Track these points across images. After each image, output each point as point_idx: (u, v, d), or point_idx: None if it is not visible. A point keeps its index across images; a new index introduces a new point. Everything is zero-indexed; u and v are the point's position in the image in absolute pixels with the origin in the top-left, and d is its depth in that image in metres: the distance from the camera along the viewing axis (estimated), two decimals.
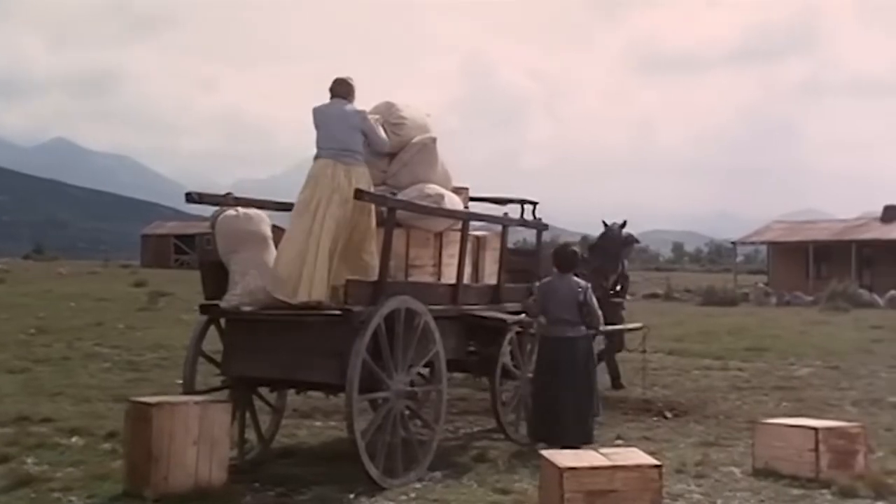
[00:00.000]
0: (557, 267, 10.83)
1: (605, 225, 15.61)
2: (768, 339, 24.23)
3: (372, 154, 9.85)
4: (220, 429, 8.60)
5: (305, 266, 9.10)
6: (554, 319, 10.48)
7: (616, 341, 15.31)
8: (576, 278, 10.61)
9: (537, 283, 10.98)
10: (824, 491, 8.96)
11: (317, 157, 9.52)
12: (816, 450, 9.30)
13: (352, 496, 8.54)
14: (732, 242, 72.60)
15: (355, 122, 9.60)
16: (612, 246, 15.30)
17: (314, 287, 9.06)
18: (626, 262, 15.87)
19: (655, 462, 7.69)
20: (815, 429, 9.47)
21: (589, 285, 10.66)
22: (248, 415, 10.15)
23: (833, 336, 25.39)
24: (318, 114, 9.63)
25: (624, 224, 15.50)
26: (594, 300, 10.56)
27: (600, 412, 11.12)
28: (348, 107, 9.64)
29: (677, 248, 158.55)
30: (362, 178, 9.50)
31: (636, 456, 7.88)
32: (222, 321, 9.86)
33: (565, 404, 10.30)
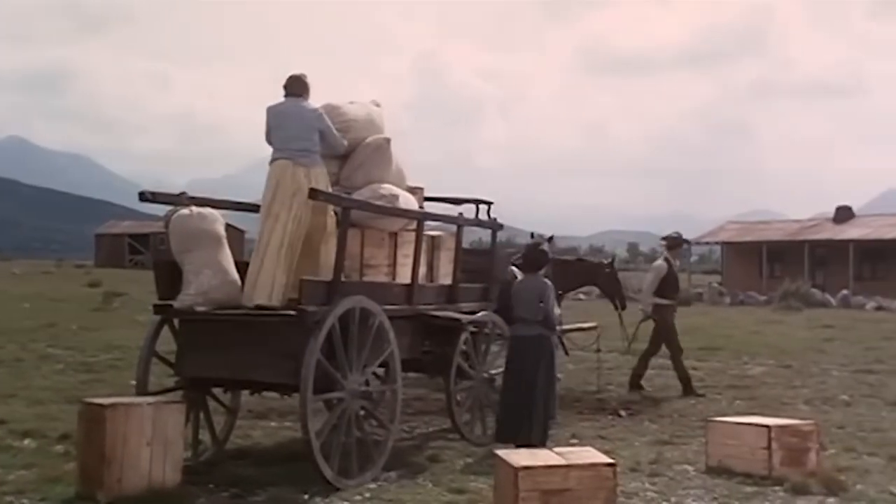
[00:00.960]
0: (526, 266, 11.01)
1: (532, 237, 15.69)
2: (722, 338, 24.41)
3: (324, 155, 9.81)
4: (173, 430, 8.55)
5: (263, 270, 9.12)
6: (520, 318, 10.61)
7: (675, 346, 15.40)
8: (542, 278, 10.73)
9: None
10: (777, 488, 9.03)
11: (275, 159, 9.48)
12: (769, 447, 9.38)
13: (306, 497, 8.51)
14: (687, 242, 73.04)
15: (313, 121, 9.59)
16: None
17: (274, 291, 9.06)
18: (676, 262, 15.99)
19: (610, 461, 7.72)
20: (768, 427, 9.54)
21: (550, 286, 10.74)
22: (202, 416, 10.09)
23: (786, 335, 25.61)
24: (275, 113, 9.59)
25: (551, 238, 15.55)
26: (551, 300, 10.63)
27: (556, 414, 11.17)
28: (305, 105, 9.61)
29: (632, 248, 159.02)
30: (321, 178, 9.50)
31: (591, 455, 7.90)
32: (176, 321, 9.80)
33: (531, 403, 10.41)
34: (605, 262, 16.95)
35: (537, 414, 10.36)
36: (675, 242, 16.44)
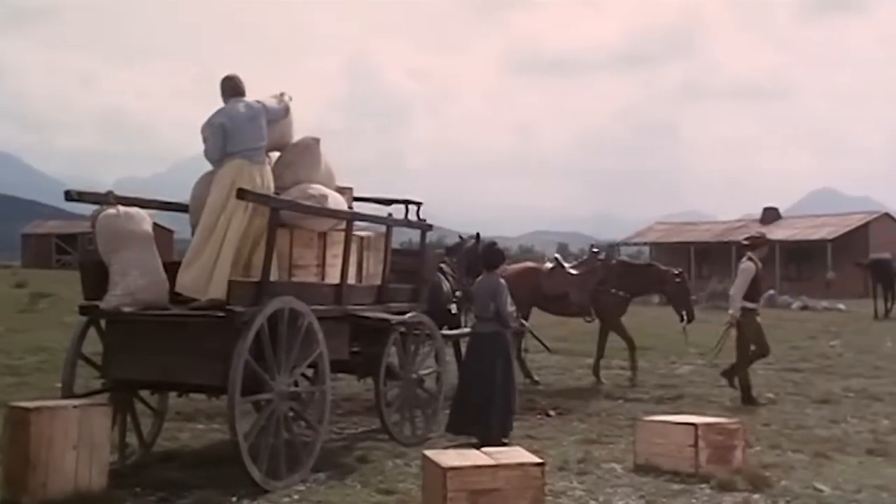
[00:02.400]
0: (484, 266, 11.42)
1: (461, 238, 15.74)
2: (650, 338, 24.51)
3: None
4: (100, 433, 8.46)
5: (219, 266, 9.12)
6: (476, 316, 11.09)
7: (762, 349, 15.10)
8: (496, 277, 10.96)
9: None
10: (703, 485, 9.13)
11: (230, 157, 9.44)
12: (696, 445, 9.49)
13: (234, 499, 8.46)
14: (616, 243, 73.59)
15: (261, 117, 9.63)
16: (464, 256, 15.25)
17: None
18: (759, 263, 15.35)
19: (538, 460, 7.76)
20: (695, 425, 9.66)
21: (503, 285, 10.96)
22: (129, 418, 10.00)
23: (713, 335, 25.77)
24: (225, 116, 9.54)
25: (477, 236, 15.58)
26: (502, 299, 10.87)
27: (516, 409, 11.28)
28: (252, 104, 9.66)
29: (562, 248, 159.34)
30: (268, 176, 9.55)
31: (519, 454, 7.94)
32: (103, 323, 9.70)
33: (490, 399, 10.59)
34: (675, 271, 16.96)
35: (497, 409, 10.62)
36: (758, 241, 15.44)
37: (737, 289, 14.92)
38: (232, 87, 9.73)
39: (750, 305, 14.84)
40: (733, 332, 14.93)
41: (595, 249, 17.35)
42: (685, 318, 16.58)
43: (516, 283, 16.71)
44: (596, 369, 16.71)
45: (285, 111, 10.16)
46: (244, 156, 9.43)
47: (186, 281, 9.25)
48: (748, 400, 14.48)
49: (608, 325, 16.80)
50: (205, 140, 9.66)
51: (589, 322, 16.91)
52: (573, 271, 16.74)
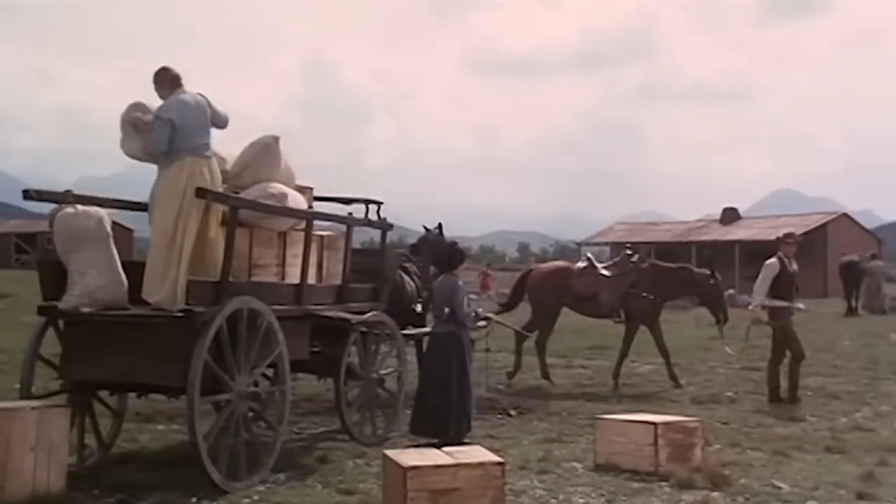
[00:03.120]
0: (442, 266, 11.58)
1: (426, 230, 15.70)
2: (610, 337, 24.59)
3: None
4: (58, 434, 8.40)
5: (181, 270, 9.01)
6: (435, 317, 11.16)
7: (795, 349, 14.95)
8: (453, 278, 10.99)
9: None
10: (663, 483, 9.19)
11: (181, 155, 9.21)
12: (655, 444, 9.55)
13: (194, 500, 8.42)
14: (577, 243, 73.82)
15: (206, 109, 9.45)
16: (429, 249, 15.21)
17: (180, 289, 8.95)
18: (792, 261, 15.22)
19: (498, 459, 7.79)
20: (655, 424, 9.71)
21: (460, 284, 11.12)
22: (87, 419, 9.92)
23: (673, 334, 25.81)
24: (173, 110, 9.22)
25: (440, 227, 15.54)
26: (458, 299, 10.91)
27: (473, 410, 11.27)
28: (196, 95, 9.44)
29: (523, 248, 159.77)
30: (217, 171, 9.46)
31: (479, 454, 7.96)
32: (61, 323, 9.63)
33: (447, 400, 10.68)
34: (708, 272, 16.93)
35: (453, 410, 10.64)
36: (788, 238, 15.40)
37: (758, 285, 14.84)
38: (173, 79, 9.41)
39: (780, 304, 14.73)
40: (764, 328, 14.99)
41: (629, 251, 17.25)
42: (721, 319, 16.52)
43: (547, 281, 16.67)
44: (616, 372, 16.45)
45: (226, 123, 9.86)
46: (194, 153, 9.25)
47: (162, 298, 9.07)
48: (775, 399, 14.53)
49: (635, 329, 16.65)
50: (150, 130, 9.35)
51: (618, 323, 16.85)
52: (605, 272, 16.68)
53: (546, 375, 16.48)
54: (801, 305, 14.89)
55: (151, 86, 9.43)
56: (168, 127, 9.17)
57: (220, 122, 9.73)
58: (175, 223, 9.10)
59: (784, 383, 14.71)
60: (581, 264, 17.31)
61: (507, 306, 17.87)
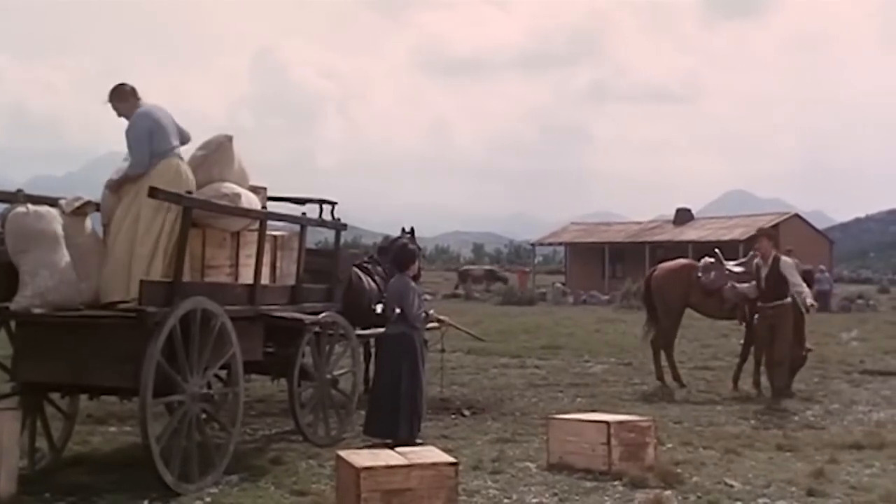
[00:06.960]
0: (394, 266, 11.67)
1: (404, 231, 15.66)
2: (564, 337, 24.75)
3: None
4: (9, 437, 8.28)
5: (153, 266, 9.06)
6: (387, 318, 11.22)
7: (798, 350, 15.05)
8: (405, 278, 11.01)
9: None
10: (616, 482, 9.22)
11: (160, 157, 9.35)
12: (608, 443, 9.58)
13: (146, 503, 8.38)
14: (531, 244, 74.01)
15: (171, 115, 9.65)
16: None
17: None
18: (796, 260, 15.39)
19: (451, 460, 7.80)
20: (608, 423, 9.75)
21: (412, 284, 11.19)
22: (38, 422, 9.83)
23: (626, 333, 26.05)
24: (149, 119, 9.41)
25: (412, 231, 15.52)
26: (409, 300, 10.98)
27: (424, 411, 11.27)
28: (160, 107, 9.64)
29: (477, 248, 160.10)
30: (190, 173, 9.52)
31: (432, 454, 7.97)
32: (12, 324, 9.54)
33: (397, 401, 10.74)
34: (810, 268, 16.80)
35: (404, 411, 10.64)
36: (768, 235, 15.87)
37: (796, 280, 14.81)
38: (133, 91, 9.57)
39: (787, 300, 14.82)
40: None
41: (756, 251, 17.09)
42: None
43: (671, 278, 16.52)
44: (736, 376, 16.20)
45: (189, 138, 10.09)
46: (172, 154, 9.44)
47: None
48: (779, 393, 14.65)
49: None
50: (130, 149, 9.48)
51: (740, 325, 16.64)
52: (736, 269, 16.57)
53: (677, 377, 16.41)
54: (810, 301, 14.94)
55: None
56: (147, 137, 9.35)
57: (184, 136, 9.91)
58: (162, 223, 9.16)
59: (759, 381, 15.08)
60: (708, 259, 17.12)
61: (649, 312, 17.53)
